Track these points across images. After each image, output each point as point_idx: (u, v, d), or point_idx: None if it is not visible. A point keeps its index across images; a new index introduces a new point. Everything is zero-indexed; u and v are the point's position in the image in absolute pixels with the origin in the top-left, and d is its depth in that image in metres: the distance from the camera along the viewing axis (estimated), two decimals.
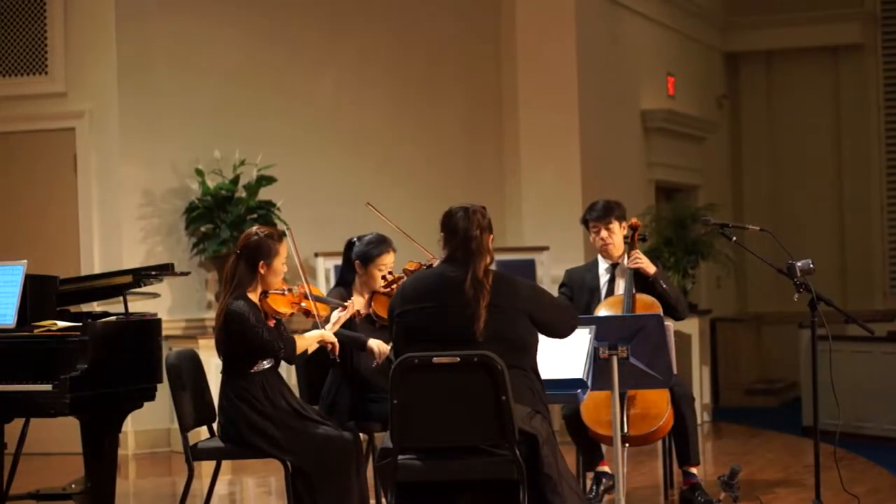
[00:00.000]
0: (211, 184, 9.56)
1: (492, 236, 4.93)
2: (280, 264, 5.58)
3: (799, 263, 6.01)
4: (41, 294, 6.18)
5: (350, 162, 10.31)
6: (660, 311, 6.43)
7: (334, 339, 5.74)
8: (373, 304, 6.18)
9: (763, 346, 13.89)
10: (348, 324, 6.00)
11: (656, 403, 6.39)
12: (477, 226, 4.86)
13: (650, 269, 6.68)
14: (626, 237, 6.82)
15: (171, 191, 9.67)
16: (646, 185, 12.26)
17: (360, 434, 5.89)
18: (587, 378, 5.22)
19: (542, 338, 4.95)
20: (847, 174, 13.94)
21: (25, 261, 6.12)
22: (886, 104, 13.81)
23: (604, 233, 6.83)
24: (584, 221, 6.95)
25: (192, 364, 5.81)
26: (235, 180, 9.58)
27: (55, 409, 5.74)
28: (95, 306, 7.75)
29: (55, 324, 5.99)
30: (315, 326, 5.84)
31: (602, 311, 6.59)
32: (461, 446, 4.74)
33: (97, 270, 9.19)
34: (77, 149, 9.61)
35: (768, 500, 6.97)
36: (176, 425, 6.19)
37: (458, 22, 10.94)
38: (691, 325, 10.33)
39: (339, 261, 6.70)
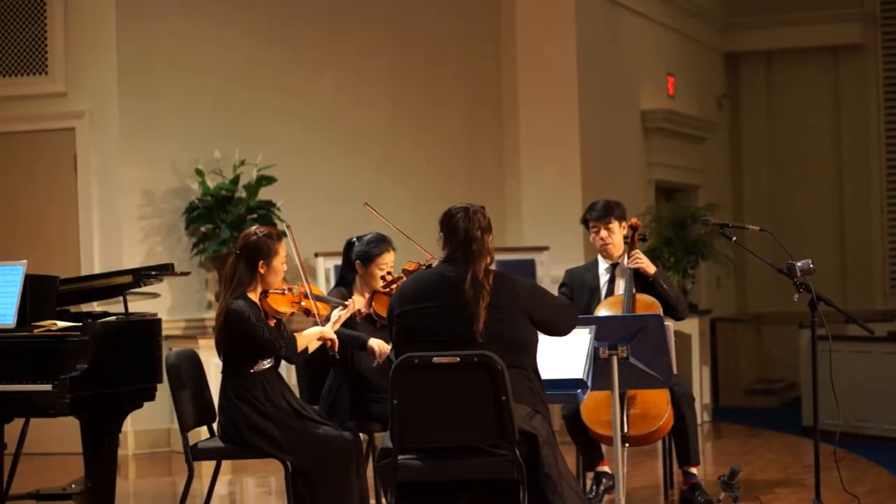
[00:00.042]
0: (211, 184, 9.56)
1: (491, 236, 4.93)
2: (280, 264, 5.58)
3: (799, 263, 6.01)
4: (41, 294, 6.18)
5: (350, 162, 10.31)
6: (660, 311, 6.43)
7: (333, 336, 5.74)
8: (373, 303, 6.18)
9: (763, 346, 13.89)
10: (349, 323, 6.00)
11: (656, 403, 6.40)
12: (478, 226, 4.86)
13: (650, 269, 6.68)
14: (626, 237, 6.82)
15: (172, 191, 9.68)
16: (646, 185, 12.26)
17: (360, 434, 5.89)
18: (587, 378, 5.22)
19: (542, 338, 4.95)
20: (847, 174, 13.94)
21: (25, 261, 6.12)
22: (886, 104, 13.81)
23: (603, 233, 6.83)
24: (584, 221, 6.95)
25: (192, 364, 5.81)
26: (235, 180, 9.58)
27: (55, 409, 5.75)
28: (95, 306, 7.75)
29: (55, 324, 5.99)
30: (315, 325, 5.84)
31: (602, 311, 6.59)
32: (461, 446, 4.74)
33: (97, 270, 9.20)
34: (77, 149, 9.61)
35: (768, 500, 6.97)
36: (176, 425, 6.20)
37: (458, 22, 10.94)
38: (691, 325, 10.33)
39: (339, 261, 6.70)
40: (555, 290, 6.74)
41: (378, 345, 6.02)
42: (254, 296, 5.54)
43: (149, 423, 9.32)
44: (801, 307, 6.11)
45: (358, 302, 6.12)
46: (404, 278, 5.75)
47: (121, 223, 9.52)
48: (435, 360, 4.64)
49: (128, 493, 8.18)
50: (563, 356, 5.24)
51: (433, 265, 5.39)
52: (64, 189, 9.62)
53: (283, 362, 5.69)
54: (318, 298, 5.84)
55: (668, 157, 12.57)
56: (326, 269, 9.68)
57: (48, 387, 5.74)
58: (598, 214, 6.85)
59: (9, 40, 9.68)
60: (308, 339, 5.65)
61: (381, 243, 6.23)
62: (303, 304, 5.71)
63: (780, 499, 7.09)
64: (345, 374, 6.15)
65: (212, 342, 5.69)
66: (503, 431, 4.63)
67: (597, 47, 11.22)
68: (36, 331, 5.95)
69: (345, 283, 6.30)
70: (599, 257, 6.94)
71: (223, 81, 9.86)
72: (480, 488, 4.81)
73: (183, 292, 9.58)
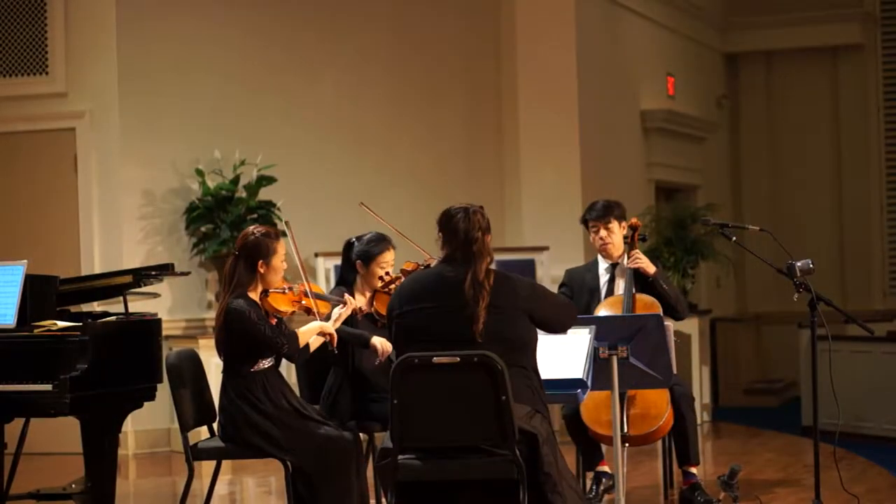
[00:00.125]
0: (211, 184, 9.56)
1: (490, 236, 4.93)
2: (279, 262, 5.58)
3: (799, 263, 6.01)
4: (41, 294, 6.18)
5: (350, 162, 10.32)
6: (660, 311, 6.43)
7: (332, 330, 5.74)
8: (374, 302, 6.18)
9: (763, 346, 13.89)
10: (350, 322, 6.01)
11: (656, 403, 6.40)
12: (477, 227, 4.86)
13: (650, 268, 6.68)
14: (625, 237, 6.82)
15: (172, 191, 9.68)
16: (645, 185, 12.27)
17: (361, 434, 5.90)
18: (587, 378, 5.23)
19: (542, 338, 4.96)
20: (847, 174, 13.94)
21: (26, 261, 6.12)
22: (886, 104, 13.82)
23: (603, 232, 6.83)
24: (584, 221, 6.95)
25: (193, 364, 5.81)
26: (235, 180, 9.58)
27: (55, 409, 5.75)
28: (95, 306, 7.75)
29: (55, 324, 5.99)
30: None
31: (602, 311, 6.59)
32: (461, 446, 4.74)
33: (97, 270, 9.20)
34: (77, 149, 9.62)
35: (768, 500, 6.98)
36: (176, 425, 6.20)
37: (458, 22, 10.94)
38: (691, 325, 10.33)
39: (339, 261, 6.70)
40: (555, 290, 6.74)
41: (381, 343, 6.02)
42: (254, 295, 5.55)
43: (149, 422, 9.33)
44: (801, 307, 6.12)
45: (359, 301, 6.12)
46: (403, 278, 5.76)
47: (121, 223, 9.52)
48: (435, 359, 4.65)
49: (128, 492, 8.18)
50: (563, 356, 5.25)
51: (432, 265, 5.39)
52: (64, 189, 9.62)
53: (283, 362, 5.69)
54: (318, 297, 5.84)
55: (667, 157, 12.57)
56: (326, 269, 9.68)
57: (48, 387, 5.74)
58: (598, 214, 6.85)
59: (9, 40, 9.68)
60: (309, 334, 5.65)
61: (380, 242, 6.24)
62: (303, 302, 5.72)
63: (779, 498, 7.09)
64: (345, 374, 6.16)
65: (212, 342, 5.69)
66: (503, 431, 4.63)
67: (597, 47, 11.22)
68: (36, 331, 5.95)
69: (345, 283, 6.31)
70: (599, 257, 6.94)
71: (223, 81, 9.86)
72: (480, 488, 4.81)
73: (183, 292, 9.59)
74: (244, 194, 9.59)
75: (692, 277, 10.93)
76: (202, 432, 5.88)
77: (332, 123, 10.32)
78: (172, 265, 6.70)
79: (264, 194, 9.65)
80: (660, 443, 6.96)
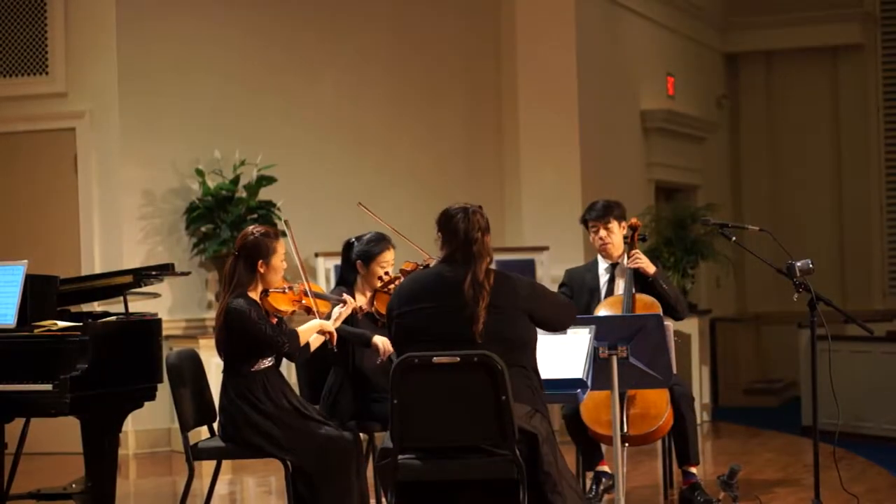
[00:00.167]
0: (211, 184, 9.57)
1: (489, 236, 4.93)
2: (279, 262, 5.58)
3: (798, 263, 6.01)
4: (41, 294, 6.19)
5: (350, 162, 10.32)
6: (660, 311, 6.44)
7: (332, 328, 5.74)
8: (375, 302, 6.19)
9: (762, 346, 13.89)
10: (350, 321, 6.01)
11: (656, 403, 6.40)
12: (477, 228, 4.86)
13: (650, 268, 6.69)
14: (625, 237, 6.83)
15: (172, 191, 9.68)
16: (645, 185, 12.27)
17: (361, 434, 5.90)
18: (587, 378, 5.23)
19: (542, 338, 4.96)
20: (847, 174, 13.94)
21: (26, 261, 6.13)
22: (886, 104, 13.82)
23: (602, 232, 6.83)
24: (584, 221, 6.96)
25: (193, 364, 5.82)
26: (236, 180, 9.59)
27: (55, 409, 5.76)
28: (96, 306, 7.76)
29: (55, 324, 5.99)
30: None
31: (602, 311, 6.60)
32: (461, 446, 4.74)
33: (97, 270, 9.20)
34: (77, 149, 9.62)
35: (767, 500, 6.98)
36: (176, 425, 6.20)
37: (458, 22, 10.95)
38: (691, 325, 10.33)
39: (339, 261, 6.71)
40: (555, 290, 6.74)
41: (382, 342, 6.02)
42: (254, 295, 5.55)
43: (149, 422, 9.33)
44: (801, 307, 6.12)
45: (360, 301, 6.13)
46: (402, 278, 5.76)
47: (121, 223, 9.52)
48: (435, 359, 4.65)
49: (128, 492, 8.18)
50: (562, 356, 5.25)
51: (431, 265, 5.39)
52: (64, 189, 9.63)
53: (283, 361, 5.70)
54: (317, 296, 5.84)
55: (667, 157, 12.58)
56: (326, 269, 9.69)
57: (48, 387, 5.74)
58: (598, 214, 6.85)
59: (9, 40, 9.69)
60: (309, 332, 5.65)
61: (380, 242, 6.25)
62: (303, 302, 5.72)
63: (779, 498, 7.10)
64: (346, 374, 6.16)
65: (212, 342, 5.70)
66: (503, 431, 4.63)
67: (597, 47, 11.22)
68: (36, 331, 5.96)
69: (345, 283, 6.31)
70: (599, 257, 6.94)
71: (223, 81, 9.86)
72: (480, 488, 4.81)
73: (183, 292, 9.59)
74: (244, 194, 9.59)
75: (692, 277, 10.93)
76: (202, 432, 5.89)
77: (332, 123, 10.33)
78: (172, 265, 6.70)
79: (264, 194, 9.65)
80: (660, 443, 6.96)
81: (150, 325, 6.21)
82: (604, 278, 6.88)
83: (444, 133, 10.83)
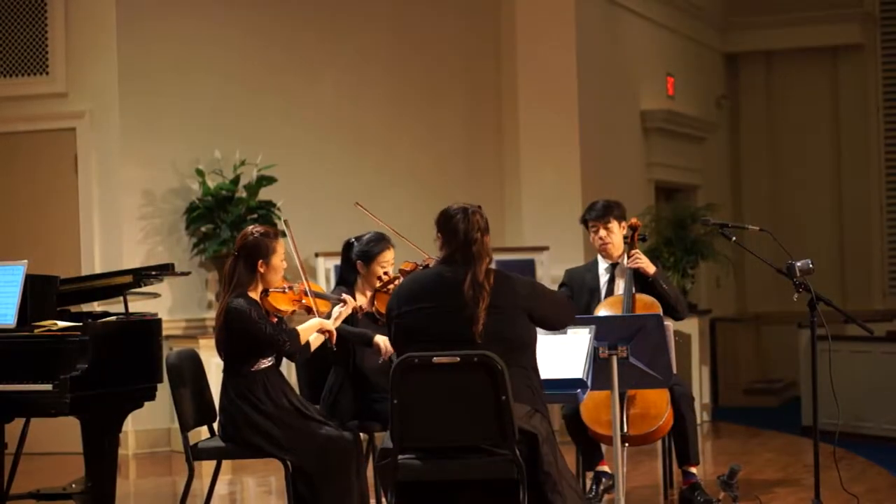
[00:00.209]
0: (211, 184, 9.57)
1: (489, 236, 4.93)
2: (279, 262, 5.59)
3: (798, 263, 6.01)
4: (42, 294, 6.19)
5: (350, 162, 10.32)
6: (660, 311, 6.44)
7: (331, 327, 5.74)
8: (375, 301, 6.19)
9: (762, 346, 13.90)
10: (350, 321, 6.02)
11: (656, 403, 6.40)
12: (476, 228, 4.85)
13: (650, 268, 6.69)
14: (625, 237, 6.83)
15: (172, 191, 9.68)
16: (645, 185, 12.27)
17: (361, 434, 5.90)
18: (587, 378, 5.23)
19: (542, 338, 4.96)
20: (846, 174, 13.94)
21: (26, 261, 6.13)
22: (885, 104, 13.82)
23: (602, 232, 6.83)
24: (584, 221, 6.96)
25: (193, 364, 5.82)
26: (236, 180, 9.59)
27: (55, 409, 5.76)
28: (96, 306, 7.76)
29: (55, 324, 5.99)
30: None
31: (602, 311, 6.60)
32: (461, 446, 4.74)
33: (97, 270, 9.20)
34: (78, 149, 9.62)
35: (767, 500, 6.98)
36: (176, 425, 6.20)
37: (458, 22, 10.95)
38: (691, 325, 10.33)
39: (339, 261, 6.71)
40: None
41: (384, 341, 6.02)
42: (254, 295, 5.55)
43: (149, 422, 9.33)
44: (801, 307, 6.12)
45: (360, 301, 6.13)
46: (401, 278, 5.76)
47: (121, 223, 9.52)
48: (435, 359, 4.65)
49: (128, 492, 8.18)
50: (562, 356, 5.25)
51: (430, 265, 5.39)
52: (64, 189, 9.63)
53: (283, 361, 5.70)
54: (317, 295, 5.85)
55: (667, 157, 12.58)
56: (326, 269, 9.69)
57: (48, 387, 5.74)
58: (598, 214, 6.85)
59: (9, 40, 9.69)
60: (309, 331, 5.65)
61: (380, 241, 6.25)
62: (303, 301, 5.72)
63: (779, 498, 7.10)
64: (346, 373, 6.16)
65: (212, 342, 5.70)
66: (503, 431, 4.63)
67: (597, 47, 11.22)
68: (36, 331, 5.96)
69: (345, 283, 6.32)
70: (599, 257, 6.94)
71: (223, 81, 9.87)
72: (480, 488, 4.81)
73: (183, 292, 9.59)
74: (244, 194, 9.59)
75: (692, 277, 10.93)
76: (202, 432, 5.89)
77: (332, 123, 10.33)
78: (173, 265, 6.70)
79: (264, 194, 9.65)
80: (660, 443, 6.96)
81: (150, 325, 6.21)
82: (604, 278, 6.88)
83: (444, 133, 10.83)
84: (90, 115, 9.58)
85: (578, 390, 5.23)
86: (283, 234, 5.87)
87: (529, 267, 10.01)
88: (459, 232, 4.84)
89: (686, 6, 13.12)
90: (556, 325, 5.04)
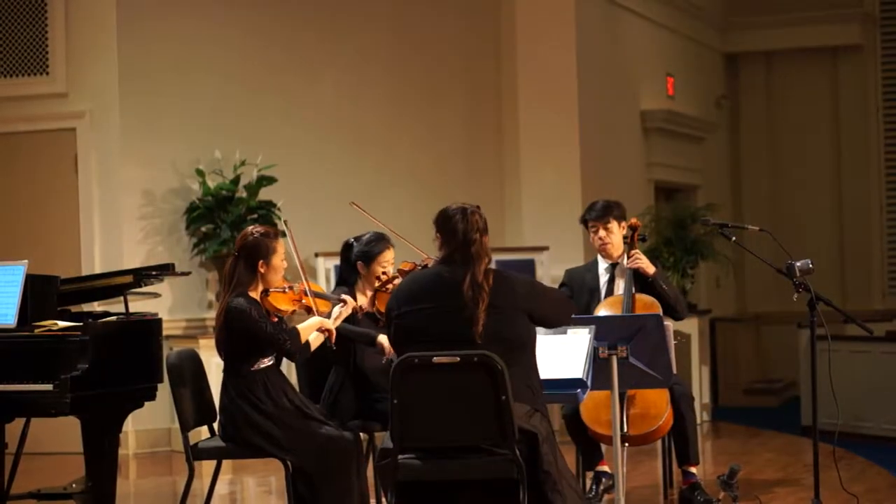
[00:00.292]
0: (211, 184, 9.57)
1: (488, 237, 4.93)
2: (279, 261, 5.59)
3: (798, 263, 6.02)
4: (42, 294, 6.19)
5: (350, 162, 10.32)
6: (659, 311, 6.44)
7: (331, 326, 5.75)
8: (376, 301, 6.19)
9: (762, 346, 13.90)
10: (351, 320, 6.02)
11: (656, 403, 6.41)
12: (475, 228, 4.85)
13: (650, 269, 6.69)
14: (625, 237, 6.83)
15: (172, 191, 9.69)
16: (645, 185, 12.27)
17: (361, 434, 5.90)
18: (587, 378, 5.23)
19: (542, 338, 4.97)
20: (846, 174, 13.95)
21: (26, 261, 6.13)
22: (885, 105, 13.82)
23: (602, 232, 6.84)
24: (584, 221, 6.96)
25: (193, 364, 5.82)
26: (236, 180, 9.59)
27: (56, 409, 5.76)
28: (96, 306, 7.76)
29: (56, 324, 6.00)
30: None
31: (602, 311, 6.60)
32: (461, 446, 4.74)
33: (98, 270, 9.20)
34: (78, 149, 9.62)
35: (767, 500, 6.98)
36: (176, 425, 6.20)
37: (458, 22, 10.95)
38: (691, 325, 10.34)
39: (339, 261, 6.71)
40: None
41: (386, 341, 6.02)
42: (255, 295, 5.55)
43: (149, 422, 9.33)
44: (801, 307, 6.12)
45: (360, 301, 6.14)
46: (400, 278, 5.76)
47: (121, 223, 9.52)
48: (435, 359, 4.65)
49: (128, 492, 8.19)
50: (562, 356, 5.25)
51: (429, 265, 5.39)
52: (64, 189, 9.63)
53: (283, 361, 5.70)
54: (317, 295, 5.85)
55: (667, 157, 12.58)
56: (326, 269, 9.69)
57: (49, 387, 5.75)
58: (597, 214, 6.86)
59: (9, 41, 9.69)
60: (308, 330, 5.65)
61: (380, 241, 6.26)
62: (303, 301, 5.73)
63: (779, 498, 7.10)
64: (346, 373, 6.17)
65: (212, 342, 5.70)
66: (503, 431, 4.63)
67: (597, 47, 11.23)
68: (37, 331, 5.96)
69: (345, 283, 6.32)
70: (599, 257, 6.95)
71: (223, 81, 9.87)
72: (480, 488, 4.82)
73: (183, 292, 9.59)
74: (244, 194, 9.59)
75: (692, 277, 10.93)
76: (202, 432, 5.89)
77: (332, 123, 10.33)
78: (173, 265, 6.70)
79: (264, 194, 9.65)
80: (659, 442, 6.96)
81: (150, 325, 6.21)
82: (604, 278, 6.88)
83: (444, 133, 10.83)
84: (90, 115, 9.58)
85: (578, 390, 5.23)
86: (283, 235, 5.87)
87: (529, 267, 10.02)
88: (458, 232, 4.84)
89: (686, 6, 13.12)
90: (556, 324, 5.05)
